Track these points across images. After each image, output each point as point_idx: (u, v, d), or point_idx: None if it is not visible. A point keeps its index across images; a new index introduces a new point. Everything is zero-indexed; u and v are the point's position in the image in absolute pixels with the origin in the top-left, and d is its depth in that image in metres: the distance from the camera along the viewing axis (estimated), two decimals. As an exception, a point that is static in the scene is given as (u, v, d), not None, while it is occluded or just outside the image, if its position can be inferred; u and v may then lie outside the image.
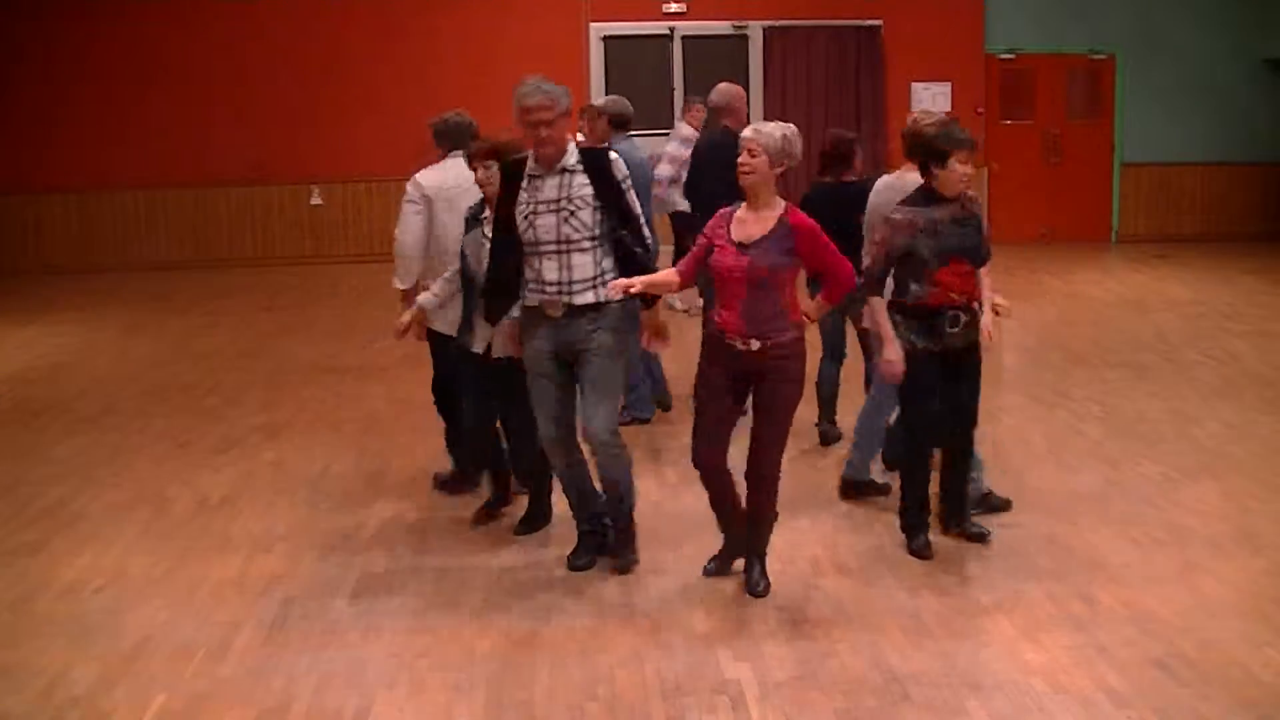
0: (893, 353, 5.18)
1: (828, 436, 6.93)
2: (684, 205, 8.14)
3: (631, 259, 5.03)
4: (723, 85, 7.67)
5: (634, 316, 5.15)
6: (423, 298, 5.85)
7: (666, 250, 8.27)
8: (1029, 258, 13.86)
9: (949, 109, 14.37)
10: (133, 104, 14.19)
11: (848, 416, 6.70)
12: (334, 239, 14.70)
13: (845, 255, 4.90)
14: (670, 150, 10.34)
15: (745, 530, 5.02)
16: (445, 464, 6.50)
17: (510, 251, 5.06)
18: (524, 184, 5.00)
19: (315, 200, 14.63)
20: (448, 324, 5.85)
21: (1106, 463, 6.59)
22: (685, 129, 10.44)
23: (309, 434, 7.51)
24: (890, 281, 5.29)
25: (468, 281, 5.59)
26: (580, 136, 7.60)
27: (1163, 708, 3.99)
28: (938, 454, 5.52)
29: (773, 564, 5.07)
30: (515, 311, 5.22)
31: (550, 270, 4.97)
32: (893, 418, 5.90)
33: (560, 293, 4.98)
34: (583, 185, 4.96)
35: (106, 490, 6.50)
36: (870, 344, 6.19)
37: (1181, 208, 15.45)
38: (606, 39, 14.54)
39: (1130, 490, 6.15)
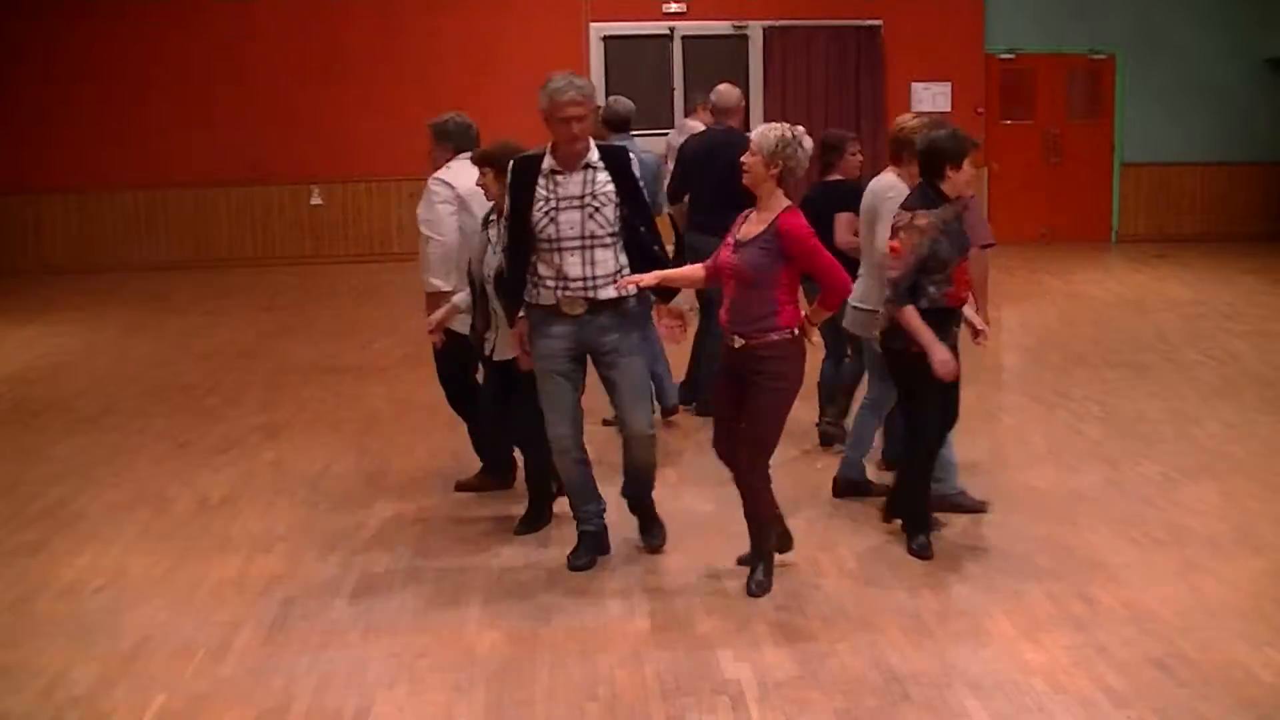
0: (942, 352, 5.13)
1: (828, 436, 6.92)
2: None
3: (650, 256, 5.11)
4: (726, 86, 7.72)
5: (648, 312, 5.21)
6: (458, 296, 5.82)
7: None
8: (1029, 258, 13.86)
9: (949, 109, 14.40)
10: (133, 104, 14.19)
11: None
12: (334, 239, 14.70)
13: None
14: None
15: (778, 524, 5.09)
16: (446, 464, 6.52)
17: (530, 250, 5.07)
18: (541, 181, 5.01)
19: (315, 200, 14.63)
20: (461, 323, 5.86)
21: (1106, 463, 6.59)
22: (698, 125, 10.42)
23: (309, 434, 7.51)
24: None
25: (470, 283, 5.60)
26: None
27: (1163, 708, 3.99)
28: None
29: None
30: (521, 312, 5.22)
31: (573, 266, 4.99)
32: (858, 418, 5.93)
33: (585, 288, 5.01)
34: (605, 182, 5.02)
35: (106, 490, 6.50)
36: (861, 344, 6.18)
37: (1181, 208, 15.45)
38: (606, 39, 14.55)
39: (1130, 490, 6.15)
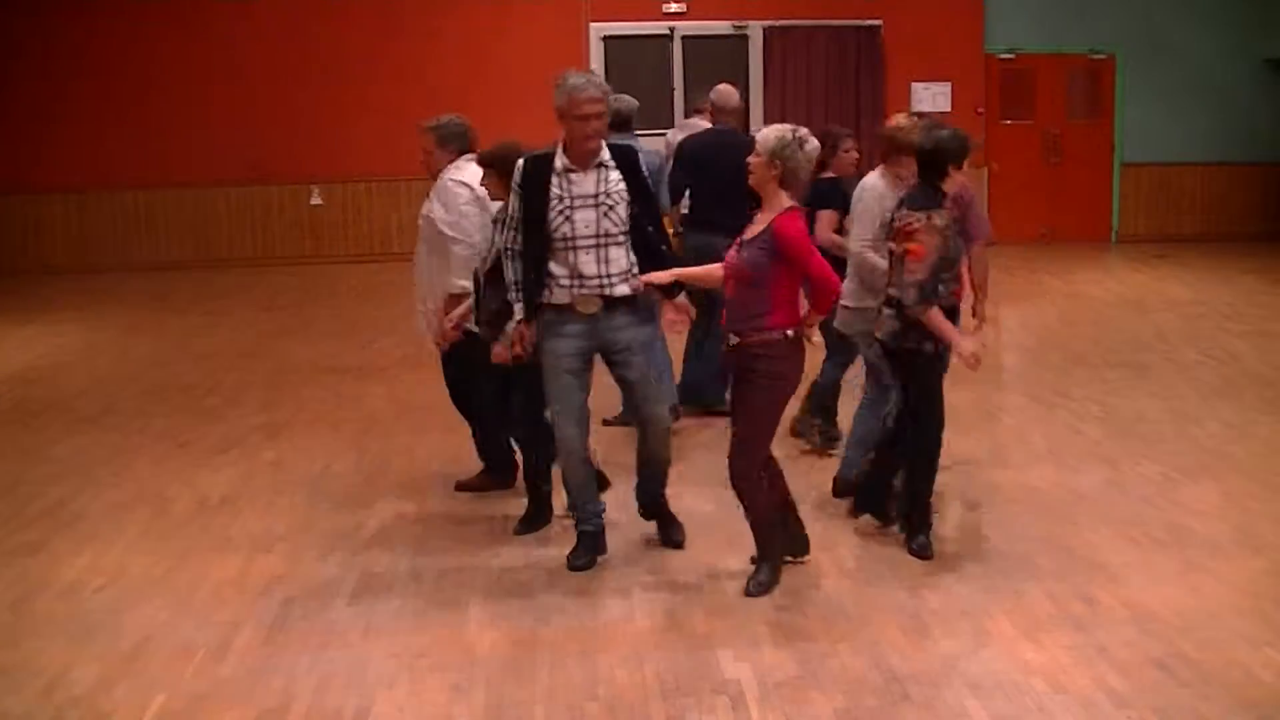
0: (969, 343, 5.19)
1: (828, 437, 6.92)
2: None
3: (658, 255, 5.16)
4: (725, 87, 7.74)
5: (654, 309, 5.28)
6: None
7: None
8: (1029, 258, 13.87)
9: (949, 109, 14.41)
10: (132, 103, 14.20)
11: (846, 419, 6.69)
12: (334, 239, 14.70)
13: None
14: None
15: (791, 527, 5.14)
16: (446, 464, 6.52)
17: (545, 250, 5.08)
18: (554, 180, 5.02)
19: (315, 200, 14.63)
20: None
21: (1106, 463, 6.59)
22: (702, 125, 10.41)
23: (309, 434, 7.51)
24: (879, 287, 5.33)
25: (475, 282, 5.60)
26: None
27: (1163, 708, 3.99)
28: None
29: (773, 564, 5.08)
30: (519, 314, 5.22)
31: (588, 264, 5.02)
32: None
33: (601, 286, 5.04)
34: (617, 180, 5.06)
35: (106, 490, 6.50)
36: (854, 346, 6.18)
37: (1181, 208, 15.45)
38: (606, 39, 14.55)
39: (1130, 490, 6.15)
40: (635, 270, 5.10)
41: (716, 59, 14.41)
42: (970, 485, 6.20)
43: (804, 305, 4.98)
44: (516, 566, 5.31)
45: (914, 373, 5.30)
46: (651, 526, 5.57)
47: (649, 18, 14.58)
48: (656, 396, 5.28)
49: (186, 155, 14.26)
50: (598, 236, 5.02)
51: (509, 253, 5.16)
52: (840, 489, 6.02)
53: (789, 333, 4.81)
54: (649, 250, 5.15)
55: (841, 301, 5.74)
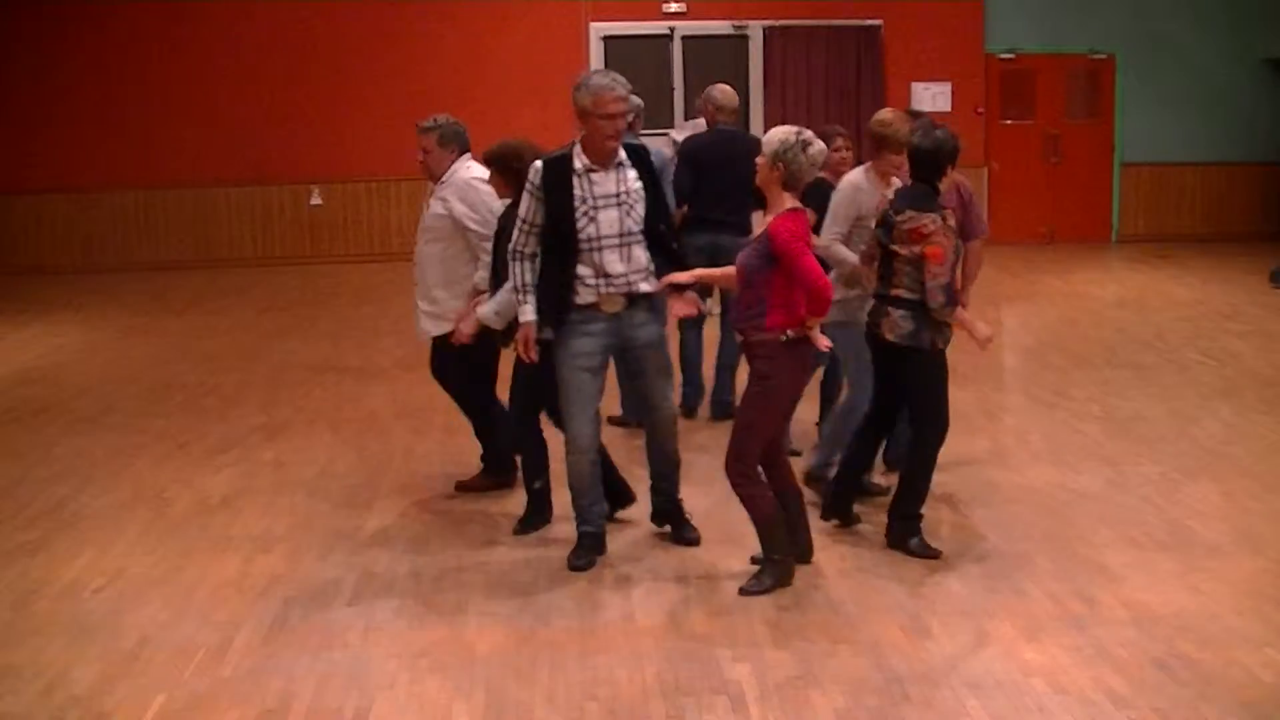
0: (983, 327, 5.35)
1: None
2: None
3: (670, 253, 5.25)
4: (726, 86, 7.72)
5: (663, 306, 5.35)
6: (483, 311, 5.64)
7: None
8: (1029, 258, 13.87)
9: (949, 109, 14.41)
10: (132, 103, 14.19)
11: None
12: (334, 239, 14.70)
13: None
14: None
15: (797, 527, 5.14)
16: (446, 464, 6.51)
17: (573, 251, 5.08)
18: (575, 181, 5.04)
19: (315, 200, 14.63)
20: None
21: (1106, 463, 6.59)
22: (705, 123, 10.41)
23: (309, 434, 7.51)
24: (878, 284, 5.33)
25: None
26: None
27: (1163, 708, 3.99)
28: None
29: (773, 564, 5.08)
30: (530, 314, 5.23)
31: (614, 263, 5.07)
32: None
33: (627, 283, 5.10)
34: (635, 179, 5.13)
35: (106, 490, 6.50)
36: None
37: (1181, 208, 15.44)
38: (606, 39, 14.53)
39: (1130, 490, 6.15)
40: (653, 268, 5.17)
41: (716, 59, 14.40)
42: (970, 485, 6.20)
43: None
44: (516, 566, 5.31)
45: (922, 373, 5.29)
46: (651, 527, 5.57)
47: (649, 18, 14.57)
48: (664, 391, 5.36)
49: (186, 155, 14.25)
50: (621, 235, 5.07)
51: (516, 255, 5.16)
52: (806, 482, 5.95)
53: (788, 333, 4.82)
54: (662, 249, 5.22)
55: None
